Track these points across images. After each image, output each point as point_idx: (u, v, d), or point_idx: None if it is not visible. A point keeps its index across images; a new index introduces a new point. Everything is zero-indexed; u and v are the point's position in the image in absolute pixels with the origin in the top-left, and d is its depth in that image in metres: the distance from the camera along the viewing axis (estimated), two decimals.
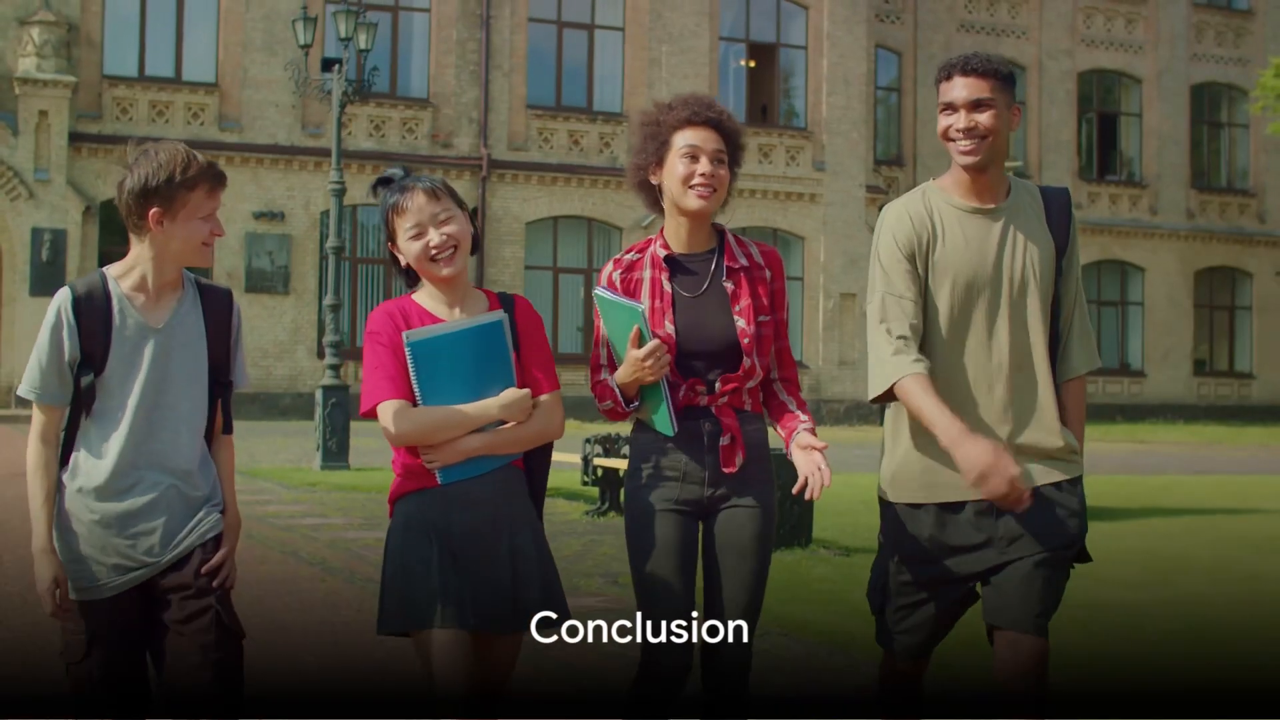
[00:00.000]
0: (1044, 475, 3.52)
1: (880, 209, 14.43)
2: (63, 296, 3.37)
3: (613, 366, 3.71)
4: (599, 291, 3.68)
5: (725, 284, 3.67)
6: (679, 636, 3.54)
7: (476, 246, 3.60)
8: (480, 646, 3.41)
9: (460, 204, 3.55)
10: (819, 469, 3.54)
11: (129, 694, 3.40)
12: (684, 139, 3.65)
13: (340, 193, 16.86)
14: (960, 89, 3.51)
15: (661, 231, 3.77)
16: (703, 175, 3.61)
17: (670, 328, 3.62)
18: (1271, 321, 38.48)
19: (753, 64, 32.50)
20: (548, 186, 30.02)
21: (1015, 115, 3.58)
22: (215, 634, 3.34)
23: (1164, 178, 37.78)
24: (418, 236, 3.46)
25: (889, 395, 3.51)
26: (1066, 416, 3.60)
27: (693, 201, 3.62)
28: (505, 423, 3.48)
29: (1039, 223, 3.60)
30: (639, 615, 3.60)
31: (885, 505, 3.71)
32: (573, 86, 30.75)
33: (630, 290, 3.68)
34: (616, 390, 3.62)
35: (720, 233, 3.77)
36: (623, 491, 3.85)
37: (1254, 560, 10.08)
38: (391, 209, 3.48)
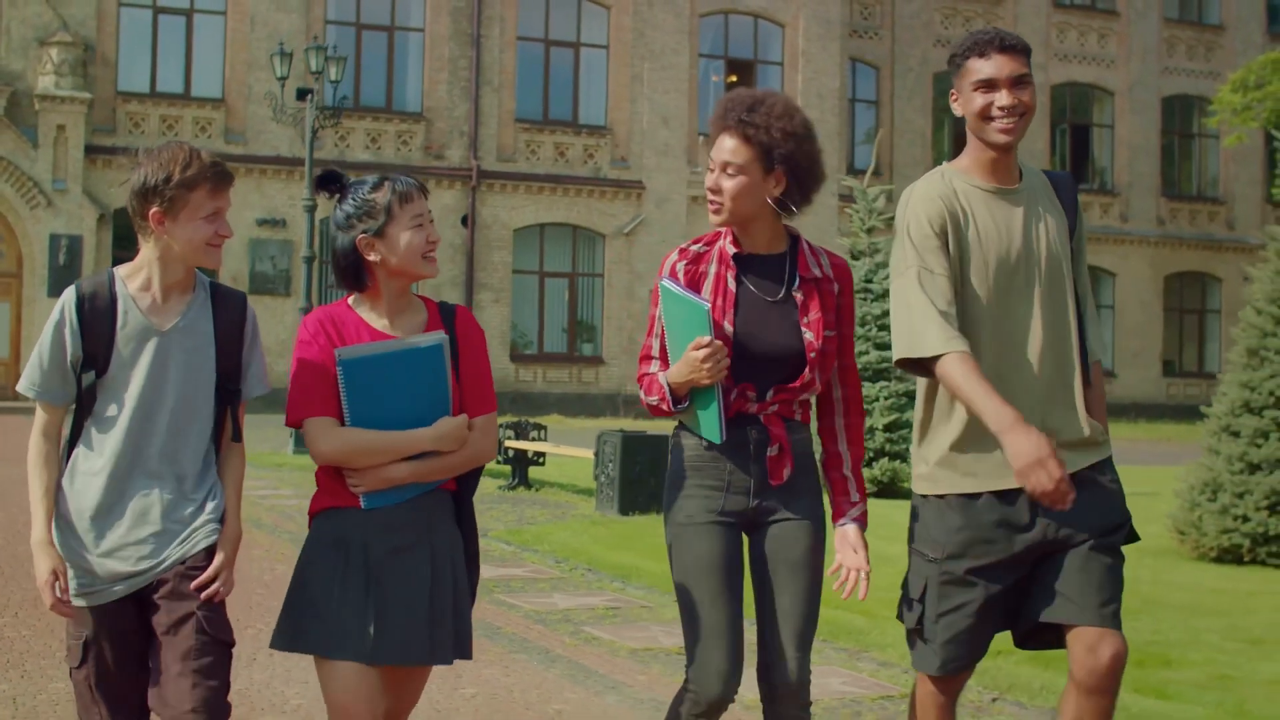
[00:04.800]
0: (1082, 459, 3.40)
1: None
2: (67, 296, 3.27)
3: (664, 359, 3.49)
4: (665, 282, 3.43)
5: (795, 293, 3.44)
6: (729, 672, 3.32)
7: None
8: (390, 677, 3.28)
9: None
10: (860, 574, 3.41)
11: (128, 702, 3.29)
12: (711, 150, 3.47)
13: (312, 209, 18.77)
14: (1003, 65, 3.39)
15: (730, 227, 3.50)
16: (709, 189, 3.45)
17: (729, 328, 3.39)
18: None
19: (733, 79, 34.25)
20: (535, 195, 31.84)
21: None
22: (196, 641, 3.18)
23: (1135, 186, 39.29)
24: (420, 227, 3.30)
25: (915, 365, 3.37)
26: (1090, 400, 3.48)
27: (711, 216, 3.49)
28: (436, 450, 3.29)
29: (1054, 204, 3.52)
30: (685, 638, 3.42)
31: (924, 501, 3.48)
32: (559, 101, 32.56)
33: (693, 283, 3.44)
34: (666, 388, 3.39)
35: (795, 237, 3.53)
36: (663, 501, 3.56)
37: None
38: (396, 197, 3.29)
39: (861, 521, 3.48)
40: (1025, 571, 3.40)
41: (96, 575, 3.24)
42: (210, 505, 3.30)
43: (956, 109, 3.50)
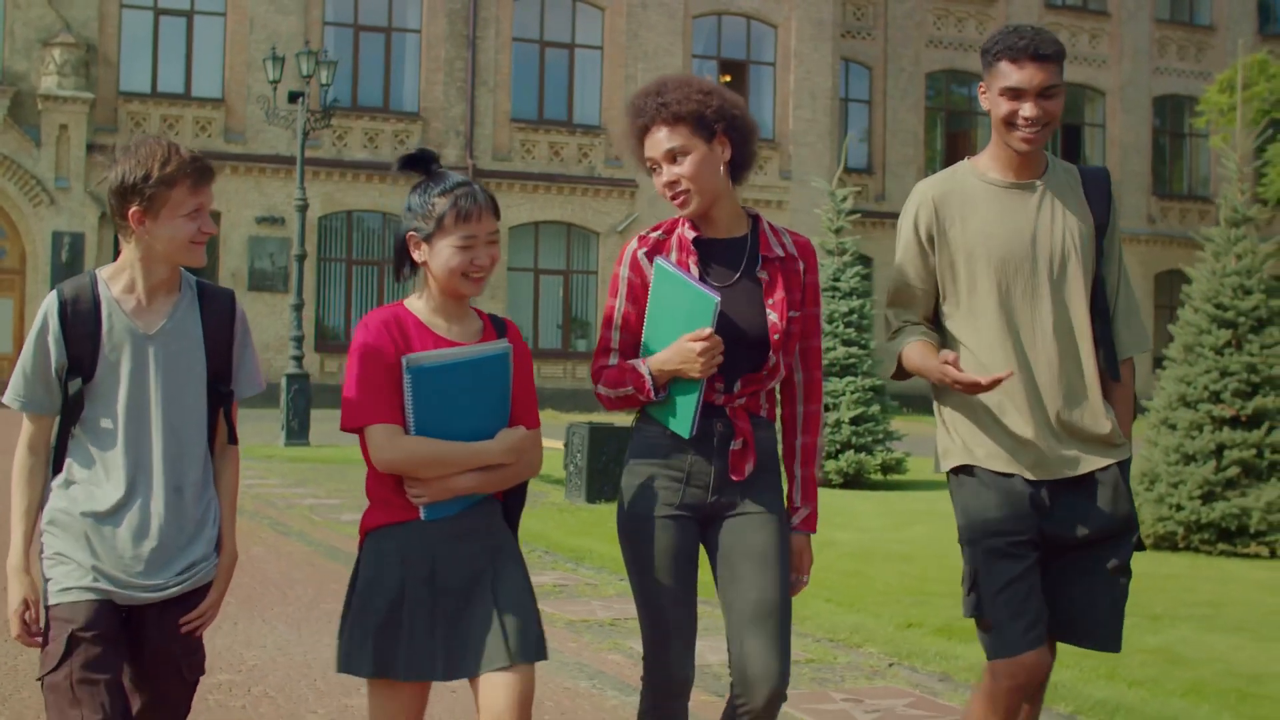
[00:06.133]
0: (1092, 461, 3.41)
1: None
2: (49, 302, 3.15)
3: (625, 351, 3.39)
4: (664, 263, 3.31)
5: (760, 274, 3.35)
6: (688, 666, 3.33)
7: None
8: (484, 689, 3.10)
9: None
10: (799, 578, 3.41)
11: (110, 708, 3.09)
12: (646, 150, 3.37)
13: (303, 208, 19.35)
14: (1034, 75, 3.34)
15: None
16: (665, 185, 3.33)
17: None
18: None
19: (727, 79, 34.71)
20: (529, 194, 32.35)
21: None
22: (175, 685, 3.23)
23: (1126, 185, 39.69)
24: (466, 249, 3.16)
25: (904, 373, 3.54)
26: (1114, 400, 3.47)
27: (679, 210, 3.37)
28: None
29: (1077, 199, 3.47)
30: (642, 630, 3.39)
31: (954, 476, 3.51)
32: (554, 101, 33.06)
33: None
34: (648, 376, 3.28)
35: (755, 218, 3.43)
36: (620, 488, 3.47)
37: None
38: (454, 212, 3.15)
39: (806, 527, 3.43)
40: (1041, 563, 3.42)
41: (89, 573, 3.13)
42: (210, 533, 3.23)
43: (984, 103, 3.48)
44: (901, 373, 3.54)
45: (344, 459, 16.65)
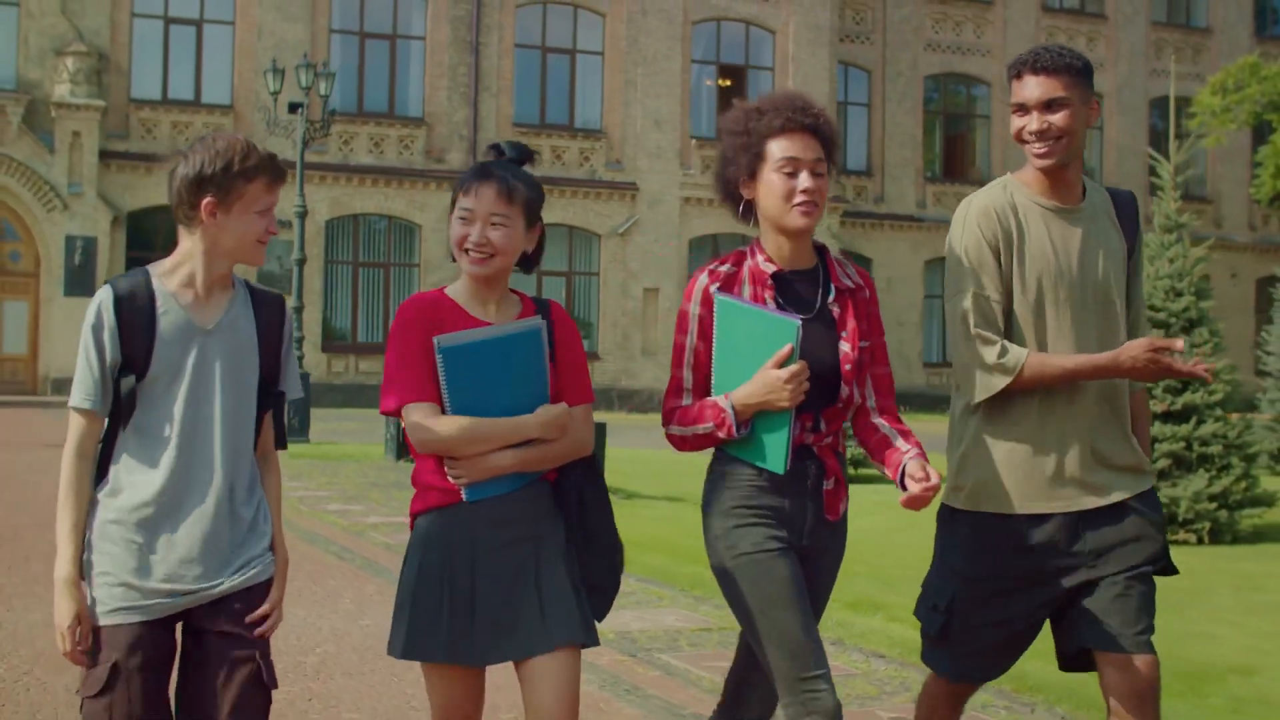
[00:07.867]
0: (1126, 489, 3.38)
1: (841, 216, 17.41)
2: (103, 295, 3.07)
3: (698, 390, 3.33)
4: (725, 297, 3.28)
5: (832, 306, 3.33)
6: (825, 686, 3.13)
7: (531, 266, 3.38)
8: (526, 675, 3.12)
9: (531, 219, 3.26)
10: (927, 484, 3.14)
11: None
12: (780, 149, 3.29)
13: (303, 215, 20.14)
14: (1032, 88, 3.34)
15: (758, 243, 3.38)
16: (805, 191, 3.26)
17: None
18: (1227, 322, 40.78)
19: (728, 83, 35.36)
20: None
21: (1093, 110, 3.39)
22: (249, 688, 3.06)
23: (1123, 186, 39.84)
24: (464, 222, 3.19)
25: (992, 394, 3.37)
26: (1135, 426, 3.48)
27: (796, 220, 3.28)
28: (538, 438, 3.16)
29: (1112, 224, 3.46)
30: (778, 675, 3.18)
31: (960, 515, 3.46)
32: (556, 106, 33.70)
33: None
34: (730, 411, 3.20)
35: (821, 249, 3.42)
36: (709, 534, 3.33)
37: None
38: (461, 185, 3.22)
39: (920, 456, 3.26)
40: (1062, 597, 3.38)
41: (140, 592, 3.05)
42: (264, 531, 3.18)
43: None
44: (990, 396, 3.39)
45: (340, 455, 17.36)
